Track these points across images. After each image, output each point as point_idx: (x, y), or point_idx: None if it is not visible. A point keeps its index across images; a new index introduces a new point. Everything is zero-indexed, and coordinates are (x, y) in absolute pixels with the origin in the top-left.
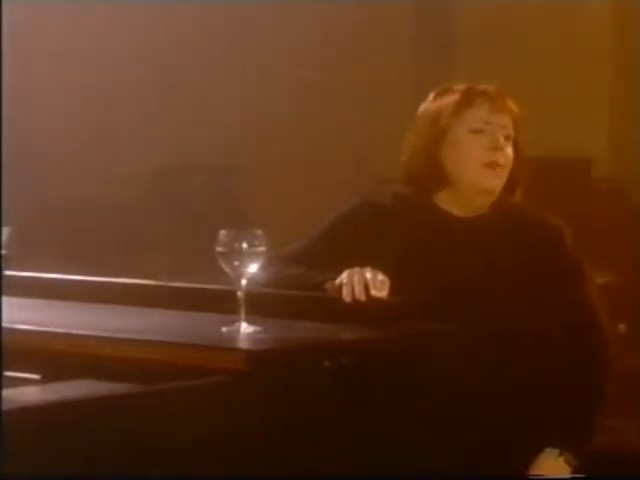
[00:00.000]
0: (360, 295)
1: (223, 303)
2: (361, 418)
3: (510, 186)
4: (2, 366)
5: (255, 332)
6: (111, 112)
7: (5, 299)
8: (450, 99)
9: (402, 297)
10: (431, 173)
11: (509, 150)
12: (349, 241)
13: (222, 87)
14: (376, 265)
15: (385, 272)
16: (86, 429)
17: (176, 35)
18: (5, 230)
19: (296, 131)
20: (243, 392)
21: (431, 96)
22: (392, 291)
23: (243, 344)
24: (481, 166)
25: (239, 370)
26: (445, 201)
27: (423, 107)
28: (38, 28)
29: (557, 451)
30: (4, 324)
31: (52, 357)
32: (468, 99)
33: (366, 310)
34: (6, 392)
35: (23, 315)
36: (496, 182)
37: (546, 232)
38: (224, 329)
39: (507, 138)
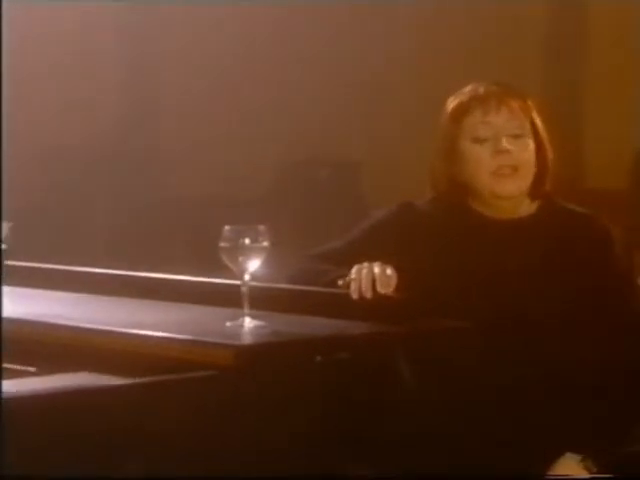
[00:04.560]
0: (367, 291)
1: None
2: (355, 415)
3: (539, 180)
4: (1, 360)
5: (257, 327)
6: (237, 108)
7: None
8: (450, 108)
9: (409, 293)
10: (452, 187)
11: (521, 147)
12: (383, 242)
13: (348, 82)
14: (409, 266)
15: (417, 273)
16: (77, 421)
17: (303, 33)
18: (5, 225)
19: (421, 129)
20: (233, 386)
21: (449, 100)
22: (422, 290)
23: (234, 339)
24: (490, 174)
25: (229, 365)
26: (479, 205)
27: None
28: (161, 33)
29: (579, 457)
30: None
31: (48, 349)
32: (462, 107)
33: (372, 306)
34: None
35: (20, 307)
36: (510, 187)
37: (591, 234)
38: (228, 323)
39: (516, 136)
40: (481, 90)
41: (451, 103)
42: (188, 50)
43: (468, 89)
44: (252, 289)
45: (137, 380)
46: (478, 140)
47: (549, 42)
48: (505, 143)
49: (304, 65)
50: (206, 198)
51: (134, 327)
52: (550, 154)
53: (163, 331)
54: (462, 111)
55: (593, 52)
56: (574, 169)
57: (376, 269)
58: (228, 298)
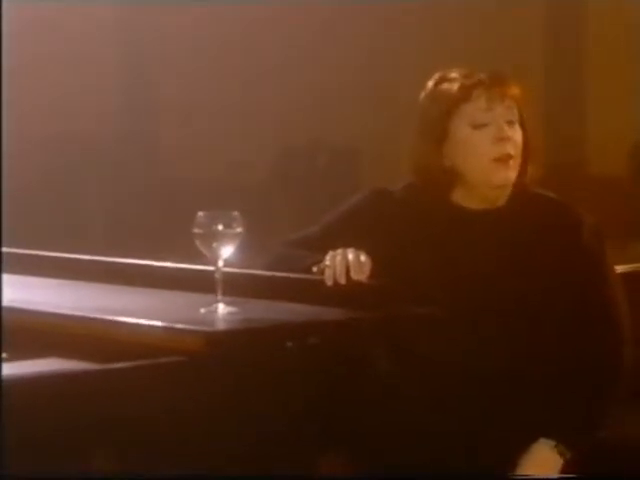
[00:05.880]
0: (340, 277)
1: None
2: (327, 401)
3: (523, 168)
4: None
5: (230, 313)
6: (236, 94)
7: None
8: (447, 93)
9: (383, 280)
10: (439, 173)
11: (517, 134)
12: (358, 229)
13: (347, 69)
14: (383, 253)
15: (391, 259)
16: (47, 406)
17: (301, 22)
18: None
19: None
20: (205, 372)
21: (430, 84)
22: (396, 277)
23: (207, 325)
24: (490, 161)
25: (202, 351)
26: (457, 194)
27: (422, 99)
28: (159, 22)
29: (553, 442)
30: None
31: (18, 335)
32: (465, 93)
33: (346, 293)
34: None
35: None
36: (509, 175)
37: (564, 221)
38: (202, 310)
39: (510, 123)
40: (486, 77)
41: (446, 86)
42: (188, 37)
43: (463, 73)
44: (226, 275)
45: (110, 366)
46: (479, 126)
47: (550, 31)
48: (506, 129)
49: (303, 53)
50: (204, 184)
51: (107, 313)
52: (534, 143)
53: (136, 317)
54: (464, 97)
55: (594, 40)
56: (577, 156)
57: (350, 255)
58: (203, 284)
